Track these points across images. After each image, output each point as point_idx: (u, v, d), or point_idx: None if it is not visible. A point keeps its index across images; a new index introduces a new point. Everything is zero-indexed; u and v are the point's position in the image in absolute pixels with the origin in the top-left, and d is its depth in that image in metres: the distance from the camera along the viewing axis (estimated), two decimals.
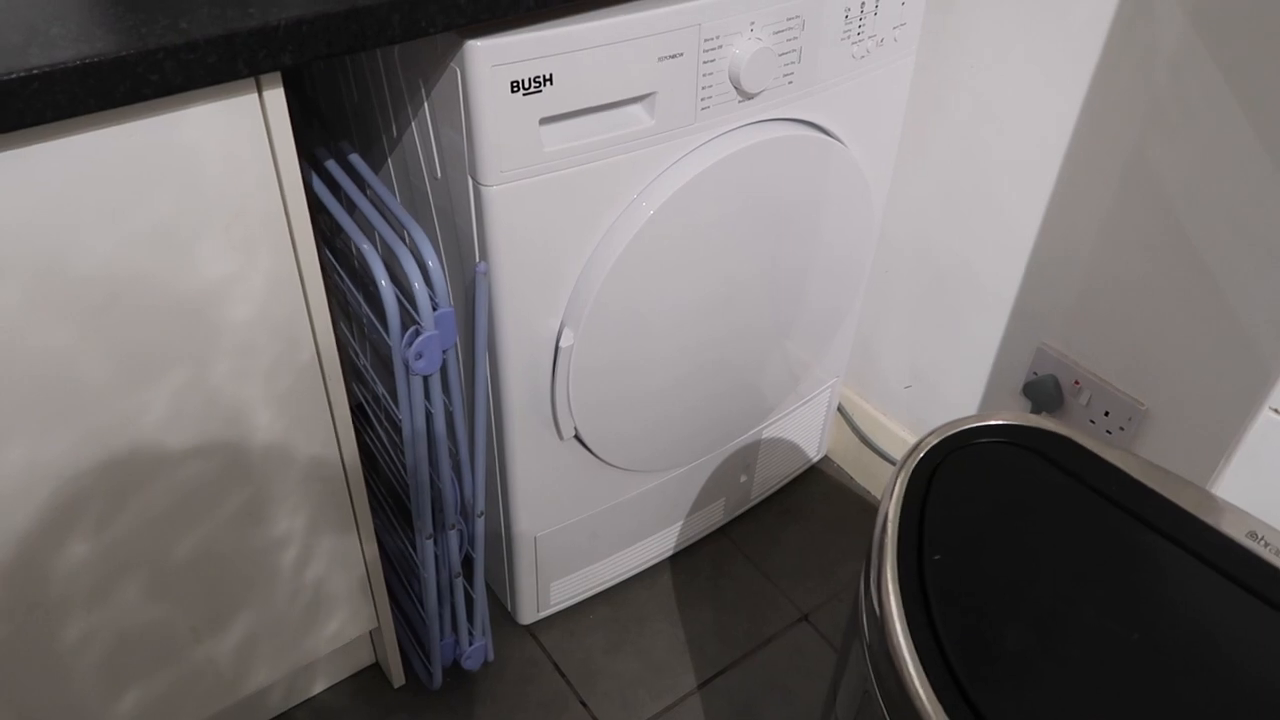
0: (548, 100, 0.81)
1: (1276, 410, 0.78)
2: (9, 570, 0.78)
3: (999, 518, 0.64)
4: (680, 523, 1.33)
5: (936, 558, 0.60)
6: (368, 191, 0.88)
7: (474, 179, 0.84)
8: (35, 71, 0.58)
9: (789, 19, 0.92)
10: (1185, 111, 0.89)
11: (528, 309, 0.93)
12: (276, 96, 0.70)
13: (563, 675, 1.24)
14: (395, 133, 0.92)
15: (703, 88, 0.90)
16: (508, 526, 1.14)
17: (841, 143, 1.05)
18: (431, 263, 0.83)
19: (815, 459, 1.52)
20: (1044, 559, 0.61)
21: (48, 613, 0.82)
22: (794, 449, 1.44)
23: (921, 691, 0.54)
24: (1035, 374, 1.16)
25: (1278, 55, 0.81)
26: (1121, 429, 1.08)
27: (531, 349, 0.96)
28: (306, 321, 0.82)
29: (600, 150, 0.87)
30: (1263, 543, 0.62)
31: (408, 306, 0.84)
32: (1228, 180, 0.88)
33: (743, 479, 1.37)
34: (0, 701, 0.85)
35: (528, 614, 1.26)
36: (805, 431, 1.43)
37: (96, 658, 0.88)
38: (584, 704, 1.21)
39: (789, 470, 1.47)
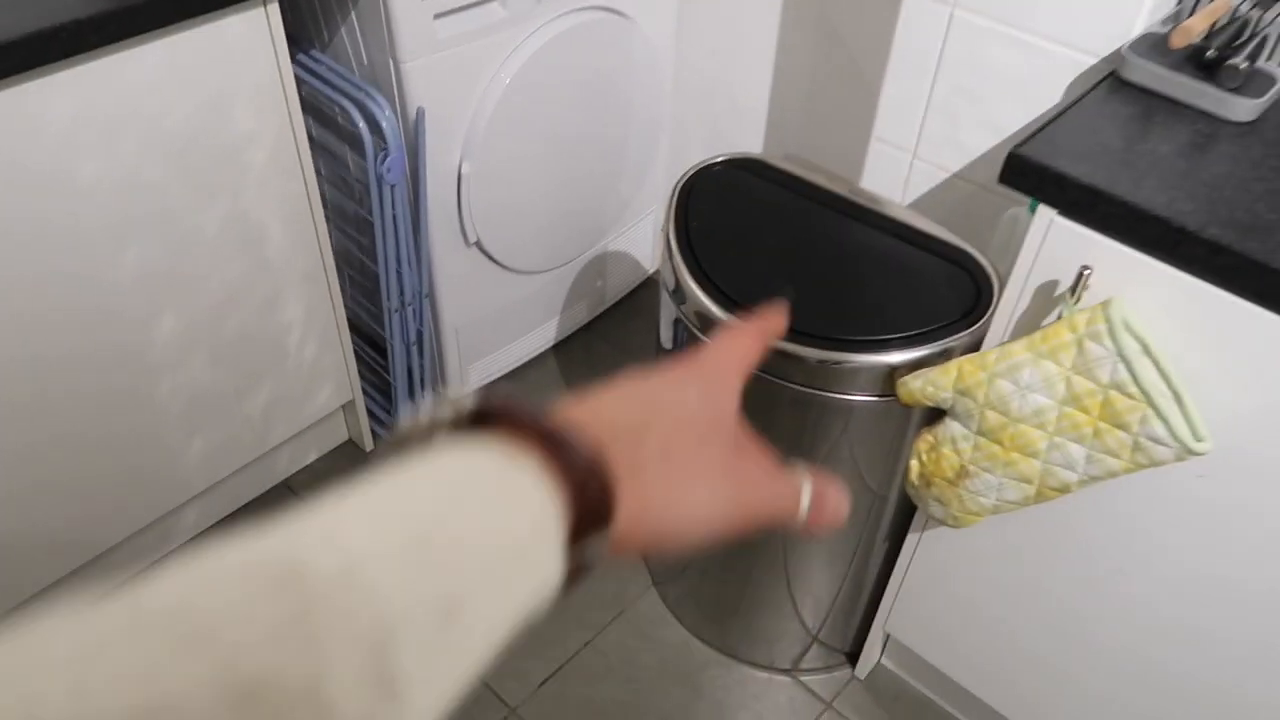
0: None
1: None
2: (122, 342, 1.21)
3: (728, 201, 1.17)
4: (558, 317, 1.83)
5: (694, 224, 1.12)
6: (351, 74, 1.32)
7: (394, 59, 1.29)
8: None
9: None
10: None
11: (441, 147, 1.39)
12: (275, 12, 1.14)
13: None
14: (359, 30, 1.36)
15: None
16: (437, 322, 1.61)
17: (630, 19, 1.54)
18: (387, 112, 1.28)
19: (650, 272, 2.04)
20: (752, 217, 1.15)
21: (149, 371, 1.25)
22: (633, 262, 1.95)
23: (692, 282, 1.06)
24: None
25: None
26: None
27: (444, 177, 1.42)
28: (297, 166, 1.26)
29: (473, 35, 1.33)
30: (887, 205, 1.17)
31: (379, 140, 1.29)
32: None
33: (598, 283, 1.88)
34: (107, 445, 1.27)
35: (456, 391, 1.74)
36: (638, 248, 1.94)
37: (180, 407, 1.31)
38: None
39: (631, 280, 1.98)
